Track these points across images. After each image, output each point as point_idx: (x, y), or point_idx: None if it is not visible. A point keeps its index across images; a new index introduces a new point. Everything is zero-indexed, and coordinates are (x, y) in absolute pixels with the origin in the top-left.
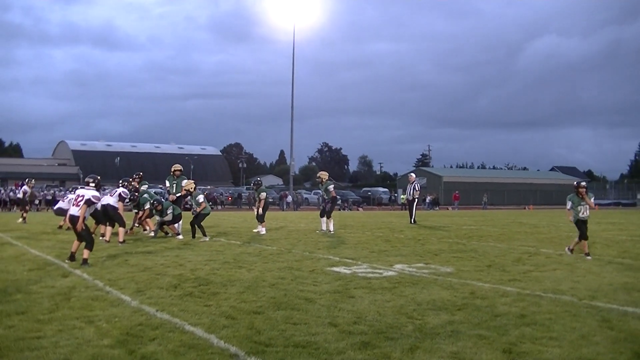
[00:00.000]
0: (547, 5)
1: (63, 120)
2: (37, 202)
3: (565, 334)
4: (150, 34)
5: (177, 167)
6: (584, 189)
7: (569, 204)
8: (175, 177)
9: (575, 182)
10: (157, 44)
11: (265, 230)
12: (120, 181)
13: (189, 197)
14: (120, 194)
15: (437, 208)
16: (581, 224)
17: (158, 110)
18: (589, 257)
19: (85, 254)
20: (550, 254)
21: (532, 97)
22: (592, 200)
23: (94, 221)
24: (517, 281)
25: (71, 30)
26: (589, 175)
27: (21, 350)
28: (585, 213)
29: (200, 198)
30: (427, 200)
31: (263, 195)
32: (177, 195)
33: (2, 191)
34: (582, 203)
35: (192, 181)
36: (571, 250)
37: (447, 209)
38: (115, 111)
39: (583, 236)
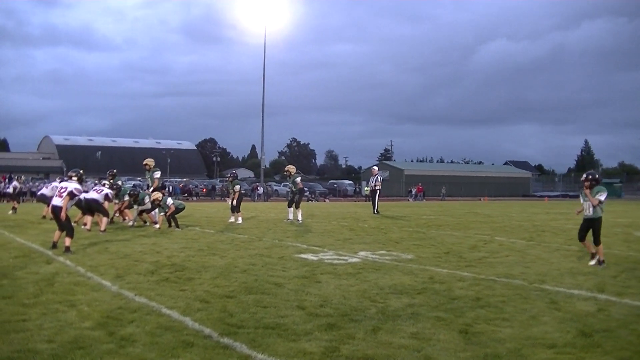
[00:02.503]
0: (497, 12)
1: (46, 116)
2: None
3: (516, 315)
4: (126, 36)
5: (146, 161)
6: (588, 182)
7: (581, 200)
8: (148, 171)
9: (583, 175)
10: (133, 46)
11: (242, 219)
12: (105, 182)
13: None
14: (107, 195)
15: (424, 199)
16: (583, 224)
17: (135, 107)
18: (591, 262)
19: (67, 241)
20: (503, 242)
21: (485, 95)
22: (598, 195)
23: (81, 212)
24: (473, 267)
25: (52, 32)
26: (539, 169)
27: (7, 332)
28: (588, 211)
29: (169, 201)
30: (413, 192)
31: (237, 187)
32: (151, 189)
33: None
34: (585, 199)
35: (158, 193)
36: (600, 262)
37: (408, 200)
38: (94, 108)
39: (580, 238)
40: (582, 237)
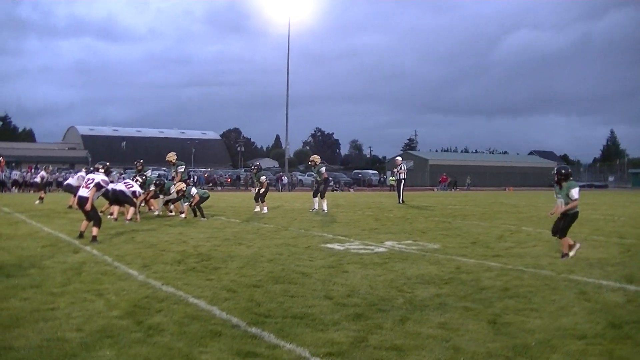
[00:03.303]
0: (521, 2)
1: (71, 106)
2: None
3: (545, 306)
4: (150, 26)
5: (168, 157)
6: (555, 176)
7: (555, 196)
8: (173, 165)
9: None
10: (157, 36)
11: (267, 209)
12: (137, 177)
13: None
14: (135, 192)
15: (456, 189)
16: (559, 219)
17: (160, 97)
18: (571, 253)
19: (94, 231)
20: (530, 232)
21: (510, 86)
22: (572, 193)
23: (108, 202)
24: (500, 257)
25: (76, 23)
26: (564, 159)
27: (36, 321)
28: (562, 207)
29: (193, 191)
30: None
31: (263, 178)
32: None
33: (18, 173)
34: (559, 195)
35: (182, 183)
36: (564, 255)
37: (433, 190)
38: (119, 98)
39: (554, 232)
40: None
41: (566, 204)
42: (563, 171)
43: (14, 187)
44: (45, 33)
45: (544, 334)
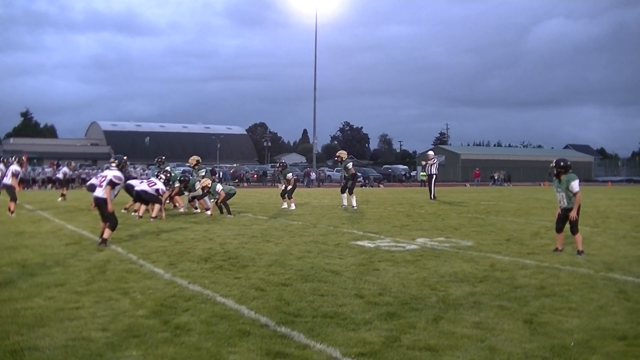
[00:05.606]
0: None
1: (92, 102)
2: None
3: (583, 305)
4: (170, 20)
5: (190, 160)
6: (553, 169)
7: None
8: (193, 168)
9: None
10: (177, 29)
11: (295, 205)
12: (162, 175)
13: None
14: (158, 190)
15: (508, 184)
16: (562, 215)
17: (182, 92)
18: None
19: (106, 234)
20: (567, 228)
21: (543, 77)
22: (572, 185)
23: (132, 199)
24: (536, 254)
25: (95, 17)
26: (601, 153)
27: (61, 320)
28: (563, 202)
29: (218, 187)
30: (496, 177)
31: (290, 175)
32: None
33: (40, 170)
34: (559, 190)
35: (207, 179)
36: (579, 252)
37: (465, 185)
38: (140, 93)
39: (558, 229)
40: (560, 229)
41: (567, 197)
42: (562, 163)
43: (46, 185)
44: (63, 28)
45: (582, 334)
